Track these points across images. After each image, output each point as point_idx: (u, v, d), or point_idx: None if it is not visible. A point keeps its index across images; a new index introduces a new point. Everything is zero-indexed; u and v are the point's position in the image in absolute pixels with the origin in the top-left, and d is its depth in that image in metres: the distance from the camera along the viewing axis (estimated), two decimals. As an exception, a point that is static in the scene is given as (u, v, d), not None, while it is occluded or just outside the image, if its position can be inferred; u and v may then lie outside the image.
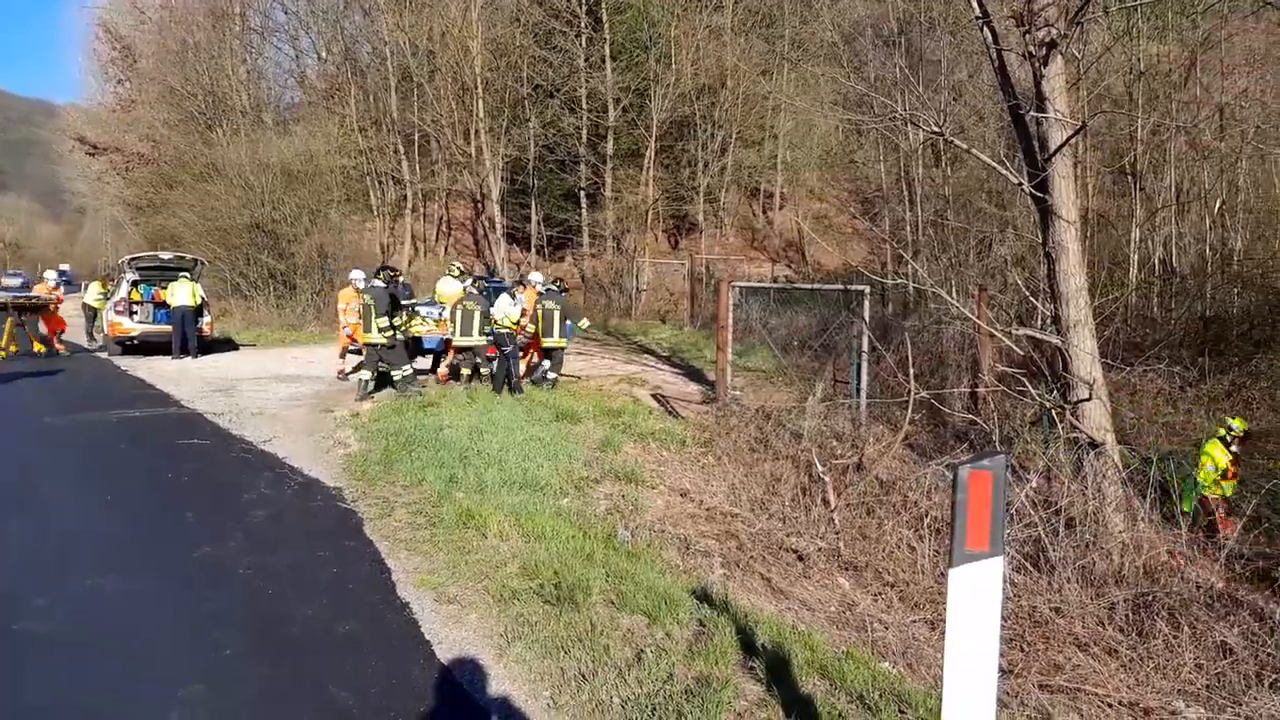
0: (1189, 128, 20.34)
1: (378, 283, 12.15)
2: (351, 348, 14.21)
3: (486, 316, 12.53)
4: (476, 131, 29.16)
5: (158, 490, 7.37)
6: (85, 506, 6.85)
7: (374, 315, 11.74)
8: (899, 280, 15.87)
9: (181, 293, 16.36)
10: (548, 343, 12.77)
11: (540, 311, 12.72)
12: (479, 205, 31.88)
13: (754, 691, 3.83)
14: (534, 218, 31.56)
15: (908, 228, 24.77)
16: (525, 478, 7.93)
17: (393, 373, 12.16)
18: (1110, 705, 6.39)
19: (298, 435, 9.65)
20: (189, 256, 18.77)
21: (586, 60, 30.27)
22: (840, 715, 3.63)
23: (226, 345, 19.11)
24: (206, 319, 17.09)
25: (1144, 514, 8.41)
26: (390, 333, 11.81)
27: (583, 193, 31.73)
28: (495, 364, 12.69)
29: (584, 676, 3.83)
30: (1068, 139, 8.34)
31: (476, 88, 28.49)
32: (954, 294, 15.66)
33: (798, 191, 37.02)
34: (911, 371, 9.30)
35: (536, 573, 5.17)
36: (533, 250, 31.60)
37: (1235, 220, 20.23)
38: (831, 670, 4.13)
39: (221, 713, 3.64)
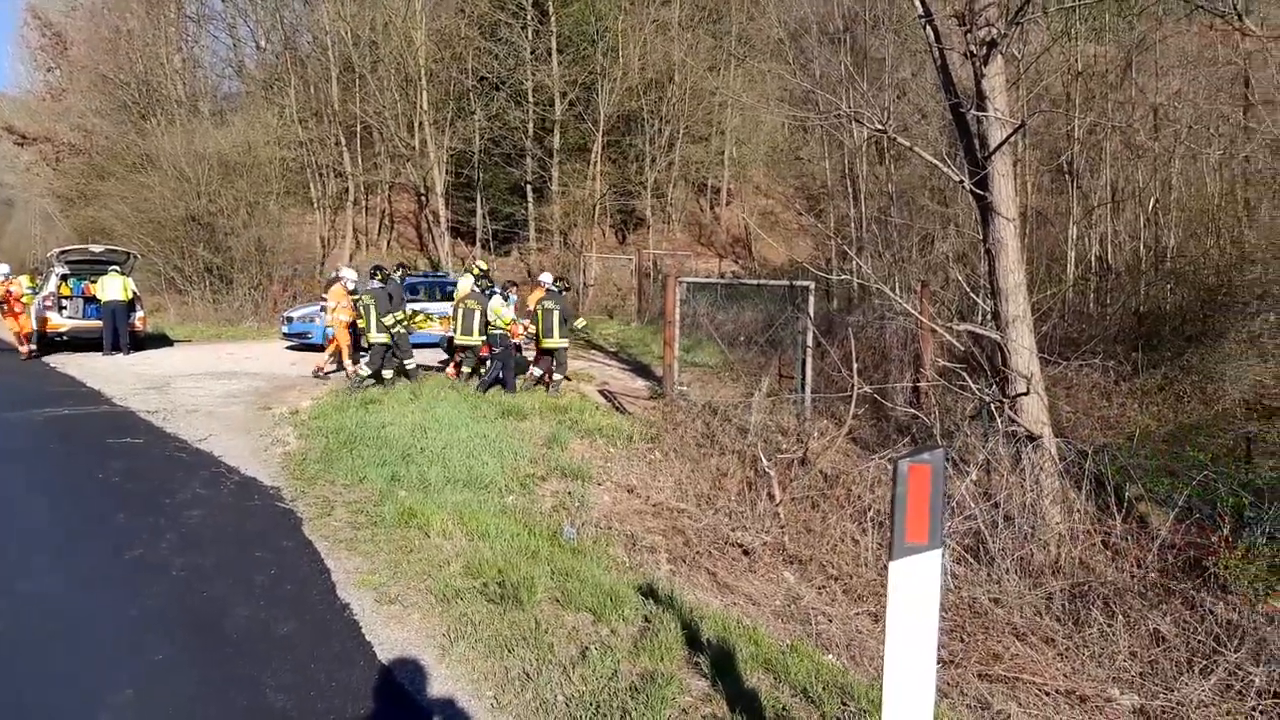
0: (1124, 128, 20.89)
1: (376, 283, 12.34)
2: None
3: (486, 316, 12.50)
4: (420, 124, 28.77)
5: (87, 490, 7.13)
6: (10, 508, 6.60)
7: (375, 315, 12.07)
8: (843, 276, 16.02)
9: (113, 287, 15.87)
10: (547, 343, 12.59)
11: (540, 311, 12.57)
12: (423, 199, 31.44)
13: (699, 687, 3.82)
14: (479, 211, 31.21)
15: (852, 224, 25.04)
16: (469, 475, 7.84)
17: (406, 364, 12.50)
18: (1047, 693, 6.53)
19: (234, 433, 9.42)
20: (121, 249, 18.21)
21: (533, 53, 30.02)
22: (784, 708, 3.64)
23: (160, 341, 18.58)
24: (139, 314, 16.60)
25: (1080, 506, 8.61)
26: (396, 330, 12.12)
27: (529, 186, 31.48)
28: (489, 363, 12.62)
29: (528, 675, 3.79)
30: (1007, 137, 8.49)
31: (420, 79, 28.10)
32: (897, 290, 15.86)
33: (745, 187, 37.25)
34: (855, 366, 9.41)
35: (480, 571, 5.10)
36: (478, 244, 31.26)
37: (1169, 218, 20.81)
38: (776, 664, 4.14)
39: (153, 718, 3.53)
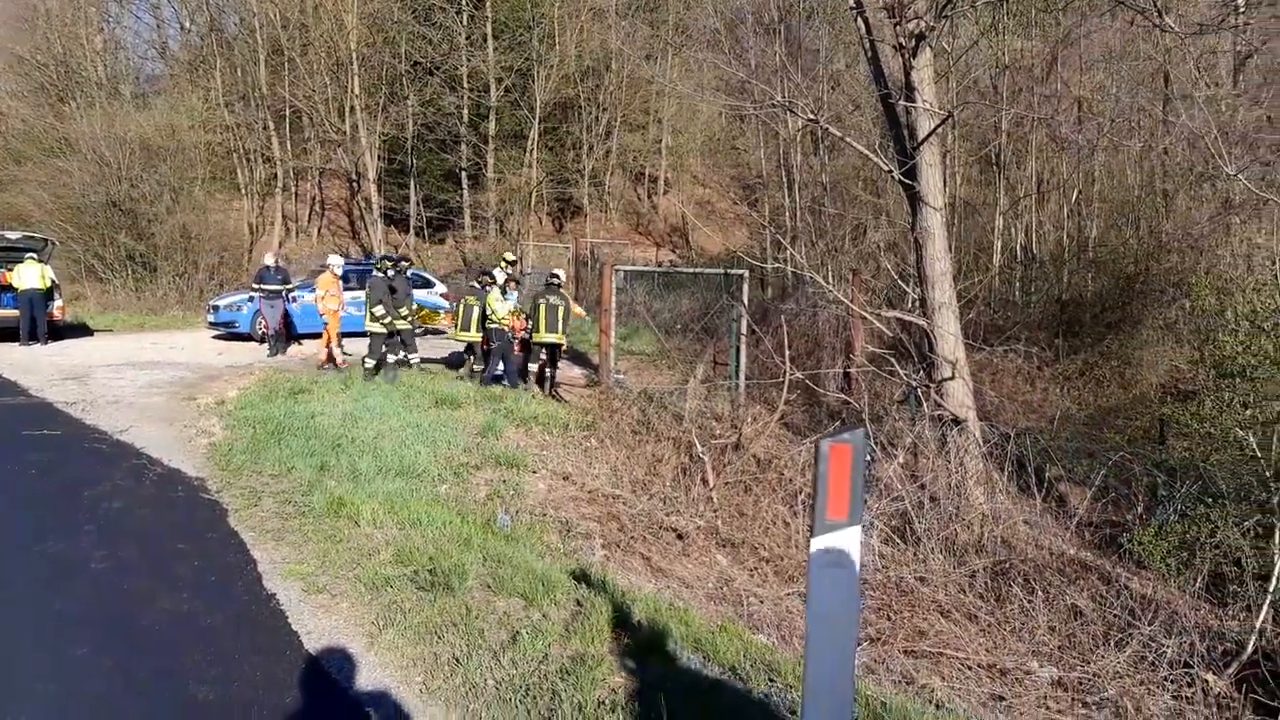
0: (1049, 120, 21.44)
1: (377, 274, 12.29)
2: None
3: (484, 312, 12.37)
4: (352, 109, 28.20)
5: (1, 484, 6.89)
6: (-84, 503, 6.35)
7: (369, 305, 12.02)
8: (778, 265, 16.20)
9: (29, 275, 15.28)
10: (549, 338, 12.29)
11: (543, 306, 12.32)
12: (355, 185, 30.86)
13: (630, 667, 3.87)
14: (413, 198, 30.76)
15: (787, 214, 25.31)
16: (401, 465, 7.77)
17: (409, 359, 12.43)
18: (970, 668, 6.73)
19: (157, 424, 9.18)
20: (38, 236, 17.53)
21: (468, 38, 29.65)
22: (713, 685, 3.70)
23: (80, 331, 17.96)
24: (57, 303, 16.02)
25: (1003, 486, 8.88)
26: (387, 320, 12.00)
27: (464, 173, 31.12)
28: (491, 358, 12.50)
29: (458, 660, 3.78)
30: (935, 128, 8.67)
31: (352, 63, 27.54)
32: (830, 278, 16.13)
33: (682, 177, 37.36)
34: (788, 353, 9.54)
35: (411, 559, 5.07)
36: (412, 232, 30.83)
37: (1091, 209, 21.46)
38: (705, 644, 4.21)
39: (73, 714, 3.44)
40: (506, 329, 12.17)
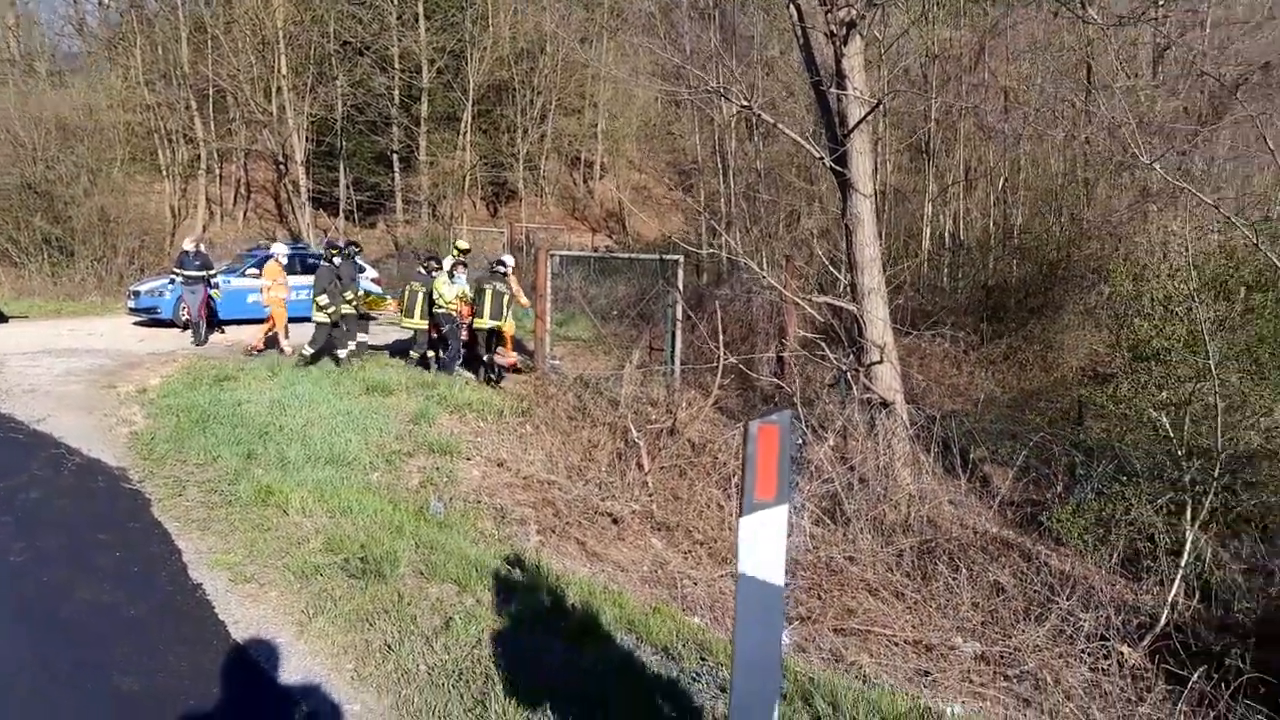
0: (976, 109, 21.91)
1: (324, 263, 12.10)
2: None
3: (431, 297, 12.12)
4: (279, 89, 27.46)
5: (-94, 476, 6.60)
6: None
7: (314, 294, 11.74)
8: (713, 251, 16.30)
9: (-65, 258, 14.63)
10: (491, 324, 12.12)
11: (488, 292, 12.08)
12: (282, 167, 30.08)
13: (562, 649, 3.88)
14: (343, 181, 30.13)
15: (722, 200, 25.45)
16: (331, 453, 7.65)
17: (337, 350, 12.08)
18: (897, 644, 6.90)
19: (76, 413, 8.87)
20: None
21: (399, 18, 29.08)
22: (645, 666, 3.74)
23: (-7, 317, 17.26)
24: (-33, 288, 15.38)
25: (929, 467, 9.11)
26: (332, 310, 11.73)
27: (395, 156, 30.59)
28: (449, 344, 12.30)
29: (389, 647, 3.75)
30: (864, 115, 8.80)
31: (279, 42, 26.78)
32: (764, 264, 16.27)
33: (618, 162, 37.29)
34: (721, 339, 9.63)
35: (341, 547, 5.00)
36: (341, 216, 30.22)
37: (1016, 197, 22.00)
38: (639, 625, 4.25)
39: (-11, 711, 3.33)
40: (454, 313, 12.05)
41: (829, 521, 8.68)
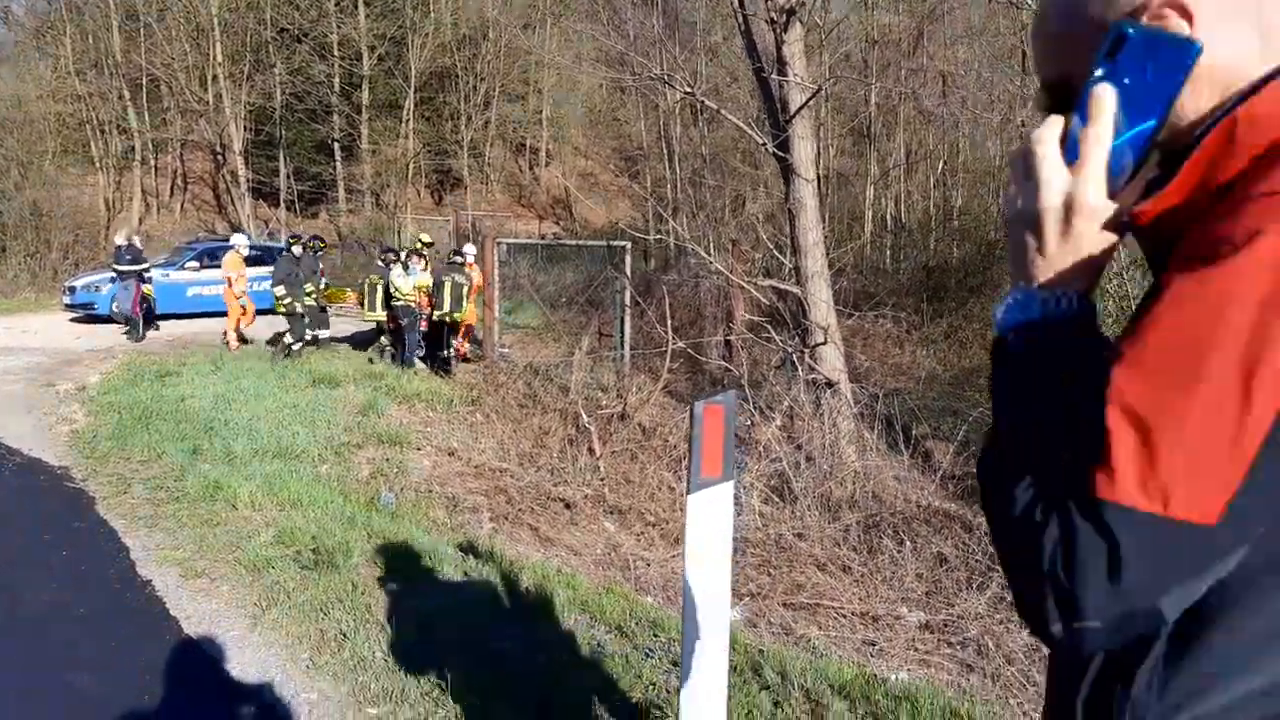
0: (915, 94, 22.25)
1: (284, 252, 12.15)
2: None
3: (388, 289, 12.07)
4: (215, 77, 26.85)
5: None
6: None
7: (272, 286, 11.82)
8: (660, 237, 16.36)
9: None
10: (451, 315, 12.07)
11: (447, 284, 11.96)
12: (220, 157, 29.45)
13: (518, 631, 3.95)
14: (283, 171, 29.59)
15: (668, 185, 25.52)
16: (279, 446, 7.60)
17: (286, 337, 12.05)
18: (844, 616, 7.08)
19: (13, 413, 8.67)
20: None
21: (337, 4, 28.61)
22: (598, 644, 3.83)
23: (-81, 315, 16.71)
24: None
25: (873, 444, 9.32)
26: (288, 301, 11.72)
27: (337, 145, 30.14)
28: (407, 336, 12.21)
29: (345, 635, 3.78)
30: (805, 102, 8.92)
31: (214, 29, 26.16)
32: (710, 249, 16.38)
33: (564, 148, 37.16)
34: (670, 323, 9.72)
35: (293, 540, 5.00)
36: (282, 206, 29.70)
37: (956, 179, 22.42)
38: (592, 605, 4.33)
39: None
40: (413, 305, 11.98)
41: (777, 500, 8.85)
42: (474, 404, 10.36)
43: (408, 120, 30.00)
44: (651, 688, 3.44)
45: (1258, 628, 0.75)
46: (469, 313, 12.54)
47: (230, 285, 12.86)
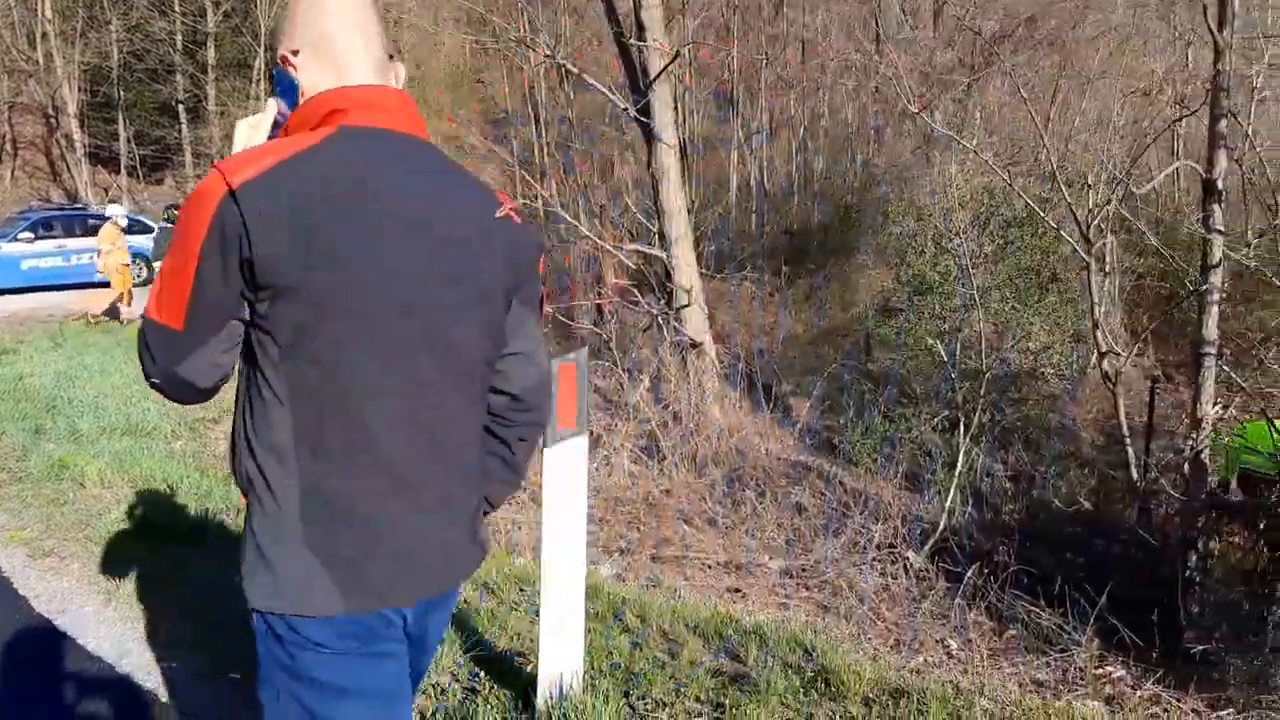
0: (777, 60, 22.77)
1: (164, 224, 11.94)
2: None
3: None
4: (44, 35, 24.94)
5: None
6: None
7: (152, 259, 11.75)
8: (525, 202, 16.29)
9: None
10: None
11: None
12: (53, 121, 27.41)
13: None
14: (123, 135, 27.84)
15: (536, 150, 25.34)
16: (129, 424, 7.32)
17: None
18: (710, 566, 7.41)
19: None
20: None
21: (177, -44, 26.95)
22: (465, 601, 3.92)
23: None
24: None
25: (736, 402, 9.70)
26: None
27: (182, 107, 28.49)
28: None
29: (202, 607, 3.74)
30: (664, 67, 9.07)
31: (40, -18, 24.28)
32: (579, 215, 16.44)
33: (427, 110, 36.16)
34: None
35: (146, 516, 4.87)
36: (123, 172, 27.96)
37: (817, 144, 23.10)
38: (459, 567, 4.41)
39: None
40: None
41: (647, 459, 9.12)
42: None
43: (259, 80, 28.60)
44: (517, 637, 3.57)
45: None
46: None
47: (104, 256, 12.21)
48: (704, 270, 10.77)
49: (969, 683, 4.02)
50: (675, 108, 21.25)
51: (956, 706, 3.32)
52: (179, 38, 27.70)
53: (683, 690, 3.20)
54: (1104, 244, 8.85)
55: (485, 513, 1.67)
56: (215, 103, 28.20)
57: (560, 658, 2.91)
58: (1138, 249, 12.84)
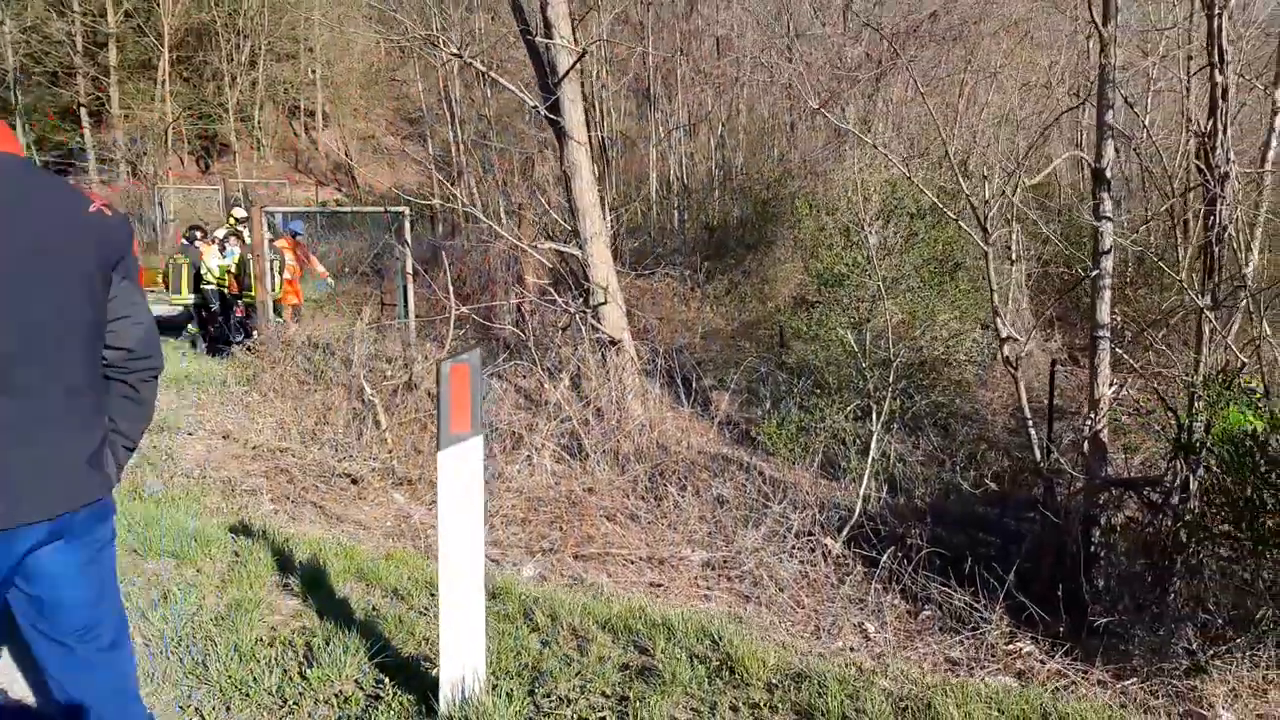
0: (693, 56, 22.91)
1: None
2: None
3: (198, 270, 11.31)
4: (-72, 34, 23.81)
5: None
6: None
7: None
8: (440, 202, 16.13)
9: None
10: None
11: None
12: (-57, 126, 26.15)
13: (290, 605, 3.95)
14: (22, 140, 26.59)
15: (453, 148, 25.05)
16: (27, 441, 7.03)
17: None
18: (632, 562, 7.45)
19: None
20: None
21: (72, -46, 25.93)
22: (374, 608, 3.90)
23: None
24: None
25: (657, 397, 9.77)
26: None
27: (84, 110, 27.47)
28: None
29: (101, 627, 3.65)
30: (572, 64, 9.06)
31: (-79, -21, 23.14)
32: (500, 214, 16.37)
33: (342, 110, 35.54)
34: (451, 290, 9.71)
35: (42, 535, 4.71)
36: (24, 179, 26.74)
37: (736, 140, 23.30)
38: (369, 573, 4.38)
39: None
40: (224, 288, 11.33)
41: (569, 458, 9.12)
42: (250, 383, 9.95)
43: (163, 82, 27.75)
44: (425, 642, 3.57)
45: None
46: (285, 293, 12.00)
47: None
48: (623, 268, 10.85)
49: (872, 664, 4.15)
50: (594, 105, 21.33)
51: (856, 687, 3.43)
52: (79, 39, 26.69)
53: (588, 686, 3.24)
54: (1008, 232, 9.16)
55: (128, 448, 2.17)
56: (119, 105, 27.29)
57: (462, 660, 2.92)
58: (1043, 237, 13.31)
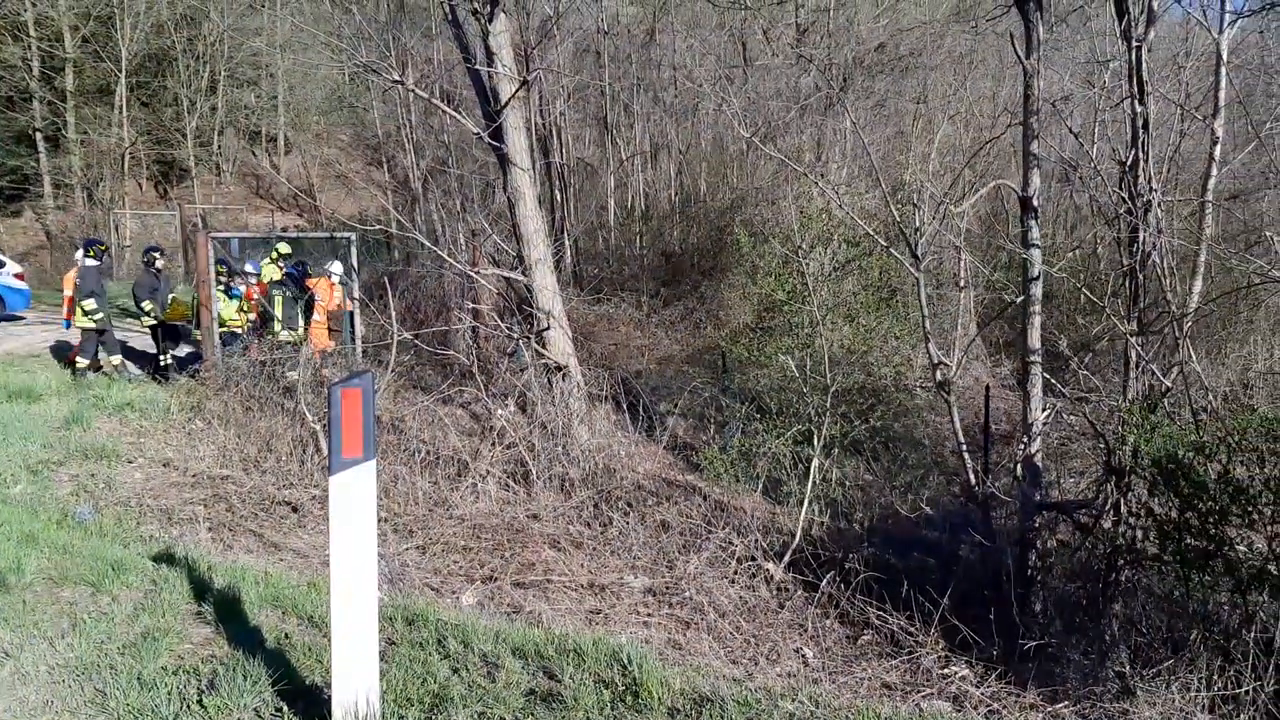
0: (644, 84, 23.16)
1: (89, 261, 10.98)
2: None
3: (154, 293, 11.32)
4: (-121, 59, 23.48)
5: None
6: None
7: (79, 298, 10.75)
8: (392, 231, 16.15)
9: None
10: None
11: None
12: (-105, 150, 25.80)
13: (201, 633, 3.96)
14: (-25, 165, 26.34)
15: (413, 174, 25.07)
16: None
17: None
18: (574, 589, 7.48)
19: None
20: None
21: (29, -22, 25.73)
22: (286, 635, 3.92)
23: None
24: None
25: (604, 423, 9.83)
26: (100, 316, 10.79)
27: (40, 135, 27.15)
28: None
29: (7, 654, 3.64)
30: (514, 93, 9.18)
31: None
32: (458, 240, 16.37)
33: (303, 136, 35.42)
34: (394, 314, 9.74)
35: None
36: (-23, 204, 26.44)
37: (694, 168, 23.54)
38: (285, 600, 4.39)
39: None
40: (239, 330, 11.49)
41: (514, 484, 9.14)
42: (194, 410, 9.89)
43: (121, 107, 27.53)
44: (330, 670, 3.59)
45: None
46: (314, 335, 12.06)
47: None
48: (580, 294, 10.91)
49: (782, 687, 4.22)
50: (554, 134, 21.47)
51: (758, 711, 3.50)
52: (35, 64, 26.42)
53: (488, 712, 3.28)
54: (956, 260, 9.32)
55: None
56: (76, 130, 27.02)
57: (354, 685, 2.95)
58: (992, 263, 13.59)
